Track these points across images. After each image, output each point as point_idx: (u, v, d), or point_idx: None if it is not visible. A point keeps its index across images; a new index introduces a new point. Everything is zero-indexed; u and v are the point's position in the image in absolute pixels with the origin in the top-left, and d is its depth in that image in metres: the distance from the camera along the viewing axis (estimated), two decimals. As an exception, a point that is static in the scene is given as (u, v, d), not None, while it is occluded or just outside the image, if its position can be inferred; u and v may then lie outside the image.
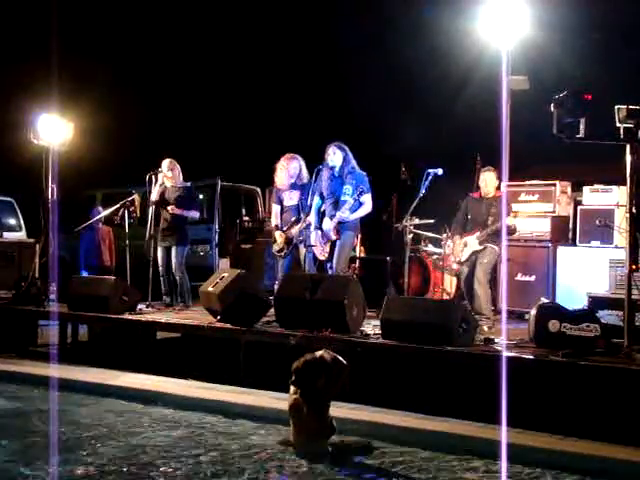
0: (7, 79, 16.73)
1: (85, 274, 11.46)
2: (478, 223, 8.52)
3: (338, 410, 5.74)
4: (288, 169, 9.01)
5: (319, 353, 5.50)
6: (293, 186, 9.03)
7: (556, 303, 7.35)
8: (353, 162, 8.58)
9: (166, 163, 9.58)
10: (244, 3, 18.00)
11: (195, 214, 9.68)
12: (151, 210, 9.50)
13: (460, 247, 8.60)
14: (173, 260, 9.42)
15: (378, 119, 15.05)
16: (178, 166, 9.63)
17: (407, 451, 5.51)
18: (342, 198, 8.45)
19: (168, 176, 9.52)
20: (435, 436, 5.73)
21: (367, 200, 8.51)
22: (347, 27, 16.38)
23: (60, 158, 9.79)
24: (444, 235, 9.20)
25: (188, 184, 9.70)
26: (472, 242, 8.48)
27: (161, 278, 9.54)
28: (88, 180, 15.32)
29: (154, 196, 9.48)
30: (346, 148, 8.58)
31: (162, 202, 9.51)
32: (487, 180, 8.64)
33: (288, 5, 17.56)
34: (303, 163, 9.06)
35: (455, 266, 8.89)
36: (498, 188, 8.64)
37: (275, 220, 9.18)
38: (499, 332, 7.14)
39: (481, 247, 8.41)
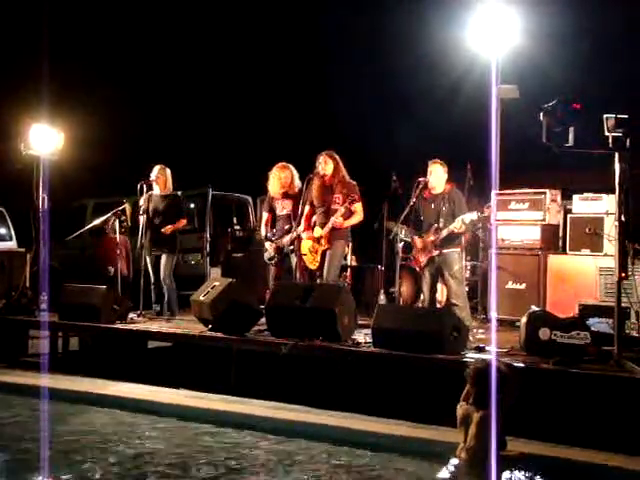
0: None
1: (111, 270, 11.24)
2: (431, 225, 8.21)
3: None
4: (280, 178, 9.02)
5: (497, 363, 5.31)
6: (285, 195, 9.04)
7: (546, 311, 7.36)
8: (344, 171, 8.57)
9: (156, 168, 9.58)
10: (233, 14, 18.05)
11: (183, 222, 9.60)
12: (142, 219, 9.48)
13: (419, 250, 8.29)
14: (162, 268, 9.39)
15: (368, 127, 15.09)
16: (169, 173, 9.61)
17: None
18: (333, 207, 8.45)
19: (155, 181, 9.49)
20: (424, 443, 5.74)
21: (358, 209, 8.50)
22: (337, 36, 16.43)
23: (51, 167, 9.77)
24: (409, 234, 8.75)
25: (176, 193, 9.67)
26: (430, 248, 8.16)
27: (152, 287, 9.51)
28: (79, 189, 15.28)
29: (143, 205, 9.47)
30: (337, 157, 8.57)
31: (152, 213, 9.49)
32: (433, 172, 8.21)
33: (277, 14, 17.61)
34: (295, 173, 9.06)
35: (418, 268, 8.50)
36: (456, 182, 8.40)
37: (264, 229, 9.17)
38: (490, 340, 7.16)
39: (437, 253, 8.08)
